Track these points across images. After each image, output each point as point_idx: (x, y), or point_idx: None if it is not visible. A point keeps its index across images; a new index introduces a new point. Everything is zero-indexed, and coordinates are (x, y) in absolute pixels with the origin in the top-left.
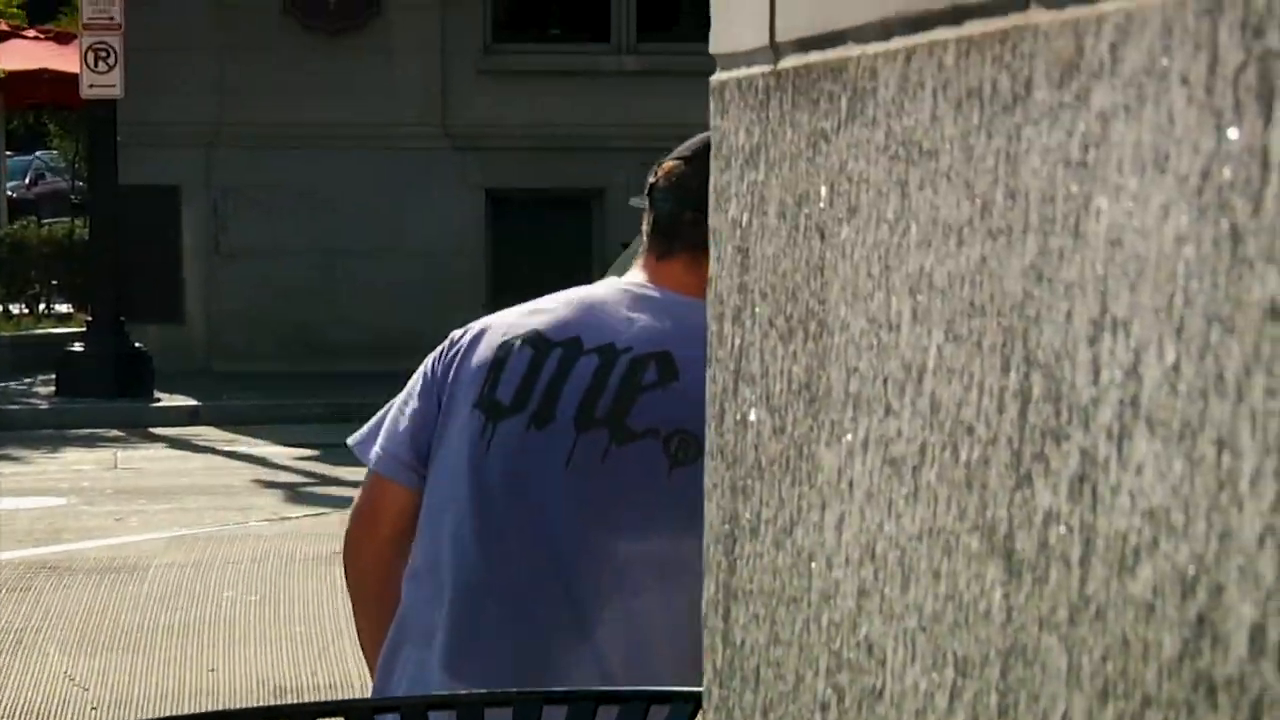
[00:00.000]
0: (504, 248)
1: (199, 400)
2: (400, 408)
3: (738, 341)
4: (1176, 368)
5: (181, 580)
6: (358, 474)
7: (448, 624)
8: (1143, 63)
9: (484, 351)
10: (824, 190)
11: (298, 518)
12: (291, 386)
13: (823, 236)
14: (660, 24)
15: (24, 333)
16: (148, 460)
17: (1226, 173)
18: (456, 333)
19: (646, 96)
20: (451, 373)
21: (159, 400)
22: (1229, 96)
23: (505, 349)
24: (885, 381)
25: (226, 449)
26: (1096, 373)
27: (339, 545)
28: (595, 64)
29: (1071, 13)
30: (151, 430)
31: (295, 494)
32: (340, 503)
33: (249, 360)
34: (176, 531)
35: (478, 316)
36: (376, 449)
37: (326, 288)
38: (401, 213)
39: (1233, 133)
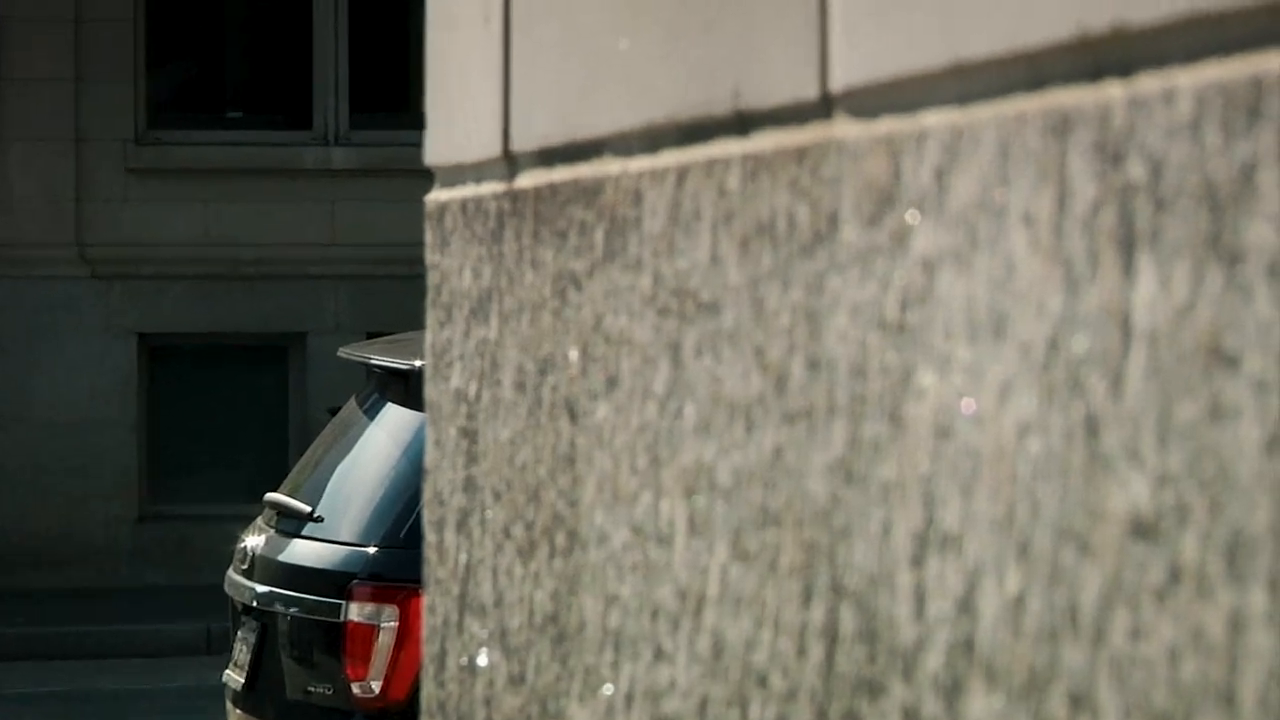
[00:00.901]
0: (167, 415)
1: None
2: None
3: (463, 558)
4: (1020, 600)
5: None
6: None
7: None
8: (975, 194)
9: None
10: (574, 354)
11: None
12: None
13: (573, 416)
14: (382, 104)
15: None
16: None
17: (1079, 342)
18: None
19: (363, 203)
20: None
21: None
22: (1081, 242)
23: None
24: (655, 614)
25: None
26: (921, 604)
27: None
28: (292, 159)
29: (886, 125)
30: None
31: None
32: None
33: None
34: None
35: (131, 508)
36: None
37: None
38: (23, 368)
39: (1087, 289)
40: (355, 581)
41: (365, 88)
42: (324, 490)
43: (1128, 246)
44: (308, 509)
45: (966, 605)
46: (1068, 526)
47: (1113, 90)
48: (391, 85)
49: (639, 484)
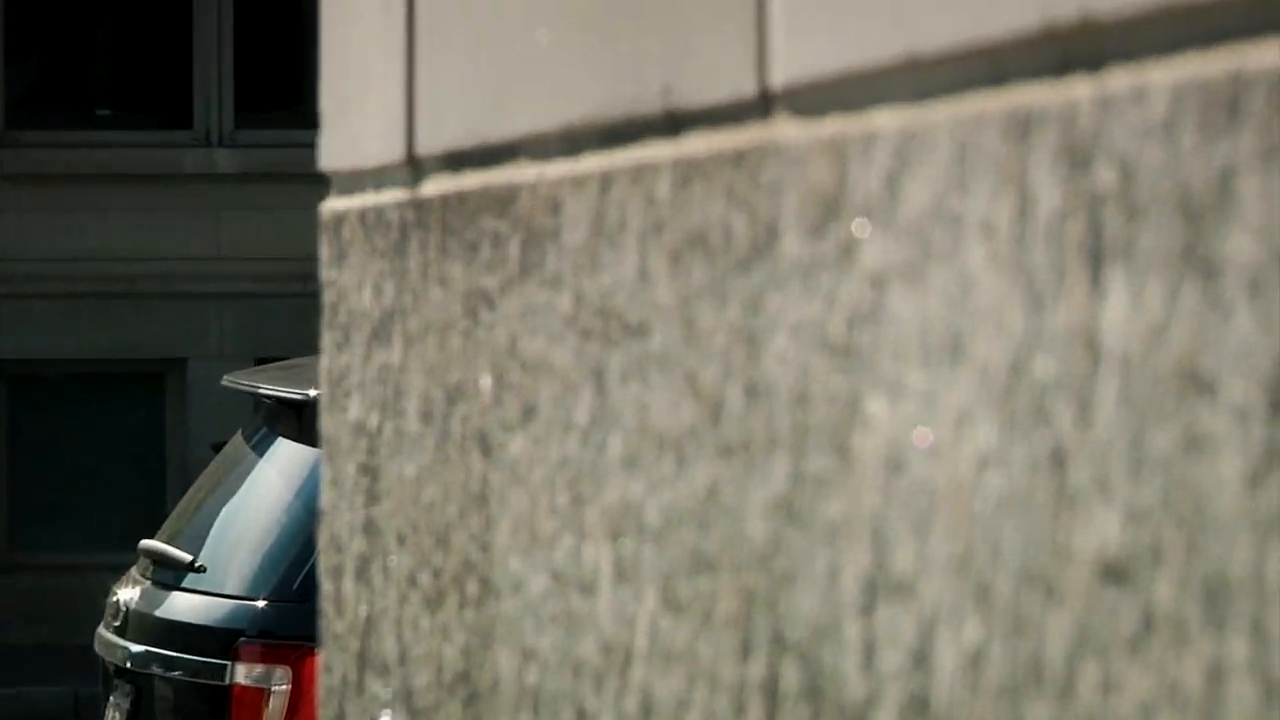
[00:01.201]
0: (29, 452)
1: None
2: None
3: (363, 610)
4: (980, 651)
5: None
6: None
7: None
8: (929, 202)
9: None
10: (487, 380)
11: None
12: None
13: (486, 450)
14: (271, 101)
15: None
16: None
17: (1044, 365)
18: None
19: (251, 212)
20: None
21: None
22: (1045, 254)
23: None
24: (577, 671)
25: None
26: (871, 657)
27: None
28: (170, 162)
29: (832, 126)
30: None
31: None
32: None
33: None
34: None
35: None
36: None
37: None
38: None
39: (1052, 307)
40: (242, 639)
41: (252, 83)
42: (207, 537)
43: (1096, 260)
44: (188, 558)
45: (921, 658)
46: (1032, 569)
47: (1080, 87)
48: (282, 80)
49: (559, 525)
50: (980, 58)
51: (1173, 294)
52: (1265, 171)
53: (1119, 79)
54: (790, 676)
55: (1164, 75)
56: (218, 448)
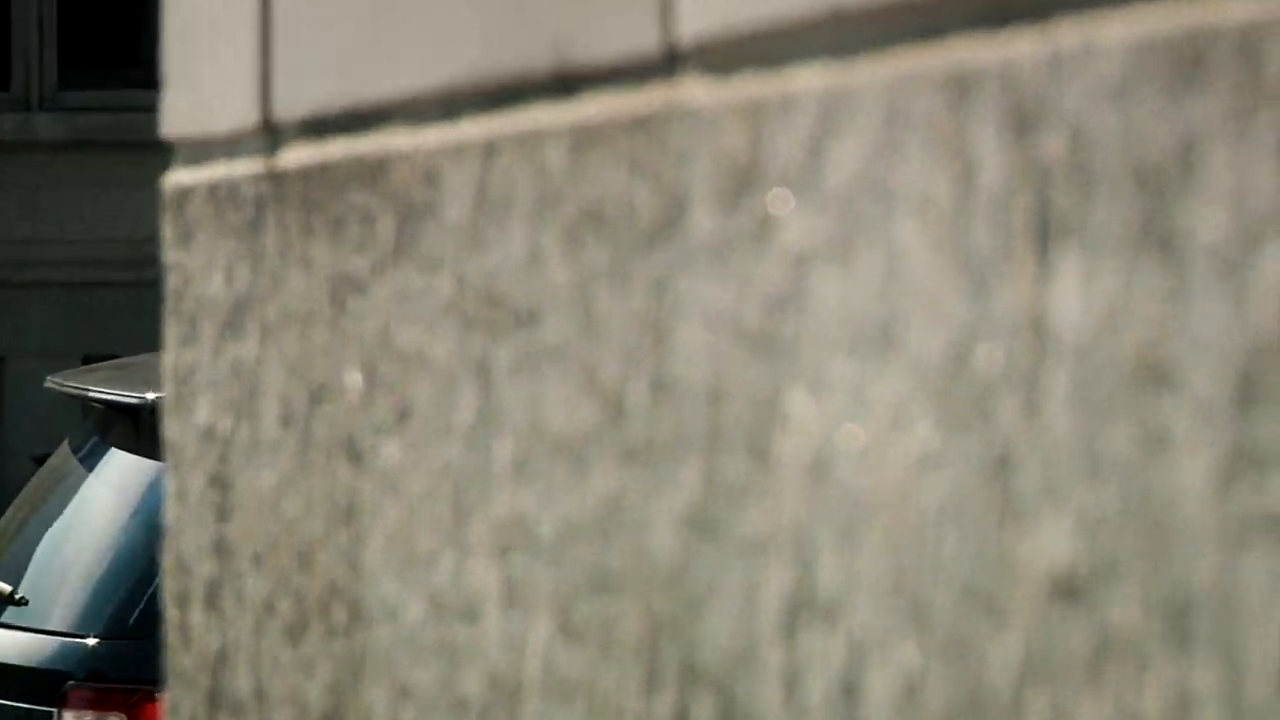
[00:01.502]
0: None
1: None
2: None
3: (214, 642)
4: (917, 678)
5: None
6: None
7: None
8: (856, 172)
9: None
10: (356, 377)
11: None
12: None
13: (355, 457)
14: (102, 57)
15: None
16: None
17: (986, 355)
18: None
19: (78, 187)
20: None
21: None
22: (987, 231)
23: None
24: (460, 707)
25: None
26: (793, 687)
27: None
28: None
29: (747, 86)
30: None
31: None
32: None
33: None
34: None
35: None
36: None
37: None
38: None
39: (995, 290)
40: (71, 683)
41: (79, 36)
42: (29, 565)
43: (1044, 237)
44: (7, 589)
45: (850, 687)
46: (974, 586)
47: (1024, 43)
48: (115, 33)
49: (439, 542)
50: (912, 9)
51: (1130, 275)
52: (1233, 138)
53: (1068, 33)
54: (703, 710)
55: (1119, 29)
56: (40, 460)
